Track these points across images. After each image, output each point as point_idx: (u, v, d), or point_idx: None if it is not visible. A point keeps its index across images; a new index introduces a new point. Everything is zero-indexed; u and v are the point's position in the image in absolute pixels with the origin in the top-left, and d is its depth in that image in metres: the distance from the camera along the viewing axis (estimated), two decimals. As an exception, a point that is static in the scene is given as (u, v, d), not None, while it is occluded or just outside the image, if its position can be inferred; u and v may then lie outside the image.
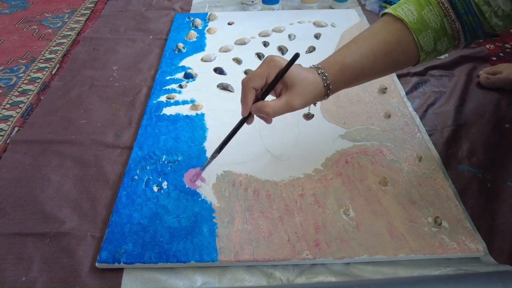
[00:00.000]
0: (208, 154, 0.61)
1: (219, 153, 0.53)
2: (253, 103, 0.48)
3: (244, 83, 0.47)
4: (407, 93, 0.74)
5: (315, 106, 0.53)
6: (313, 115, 0.64)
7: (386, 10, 0.52)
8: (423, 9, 0.50)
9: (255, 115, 0.50)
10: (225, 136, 0.52)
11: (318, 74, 0.49)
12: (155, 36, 0.95)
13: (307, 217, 0.51)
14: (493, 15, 0.49)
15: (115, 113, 0.72)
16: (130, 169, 0.59)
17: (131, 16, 1.05)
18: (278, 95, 0.49)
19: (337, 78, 0.50)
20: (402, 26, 0.50)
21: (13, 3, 1.19)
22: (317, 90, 0.48)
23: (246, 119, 0.50)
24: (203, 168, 0.56)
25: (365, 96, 0.72)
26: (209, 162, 0.55)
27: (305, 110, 0.61)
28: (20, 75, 0.85)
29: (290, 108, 0.47)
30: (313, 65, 0.51)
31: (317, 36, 0.91)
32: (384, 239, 0.48)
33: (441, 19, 0.50)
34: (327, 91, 0.49)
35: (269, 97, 0.49)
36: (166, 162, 0.60)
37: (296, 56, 0.46)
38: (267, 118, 0.49)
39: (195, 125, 0.67)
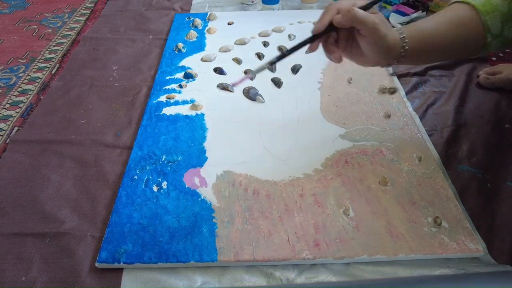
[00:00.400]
0: (208, 154, 0.61)
1: (272, 65, 0.51)
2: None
3: (331, 4, 0.47)
4: (407, 93, 0.74)
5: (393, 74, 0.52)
6: (395, 90, 0.64)
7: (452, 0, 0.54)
8: None
9: (319, 47, 0.50)
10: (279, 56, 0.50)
11: (401, 38, 0.49)
12: (155, 36, 0.95)
13: (307, 217, 0.51)
14: None
15: (115, 113, 0.72)
16: (130, 169, 0.59)
17: (131, 16, 1.05)
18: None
19: (415, 46, 0.50)
20: (470, 7, 0.51)
21: (13, 3, 1.19)
22: (397, 46, 0.48)
23: (318, 36, 0.49)
24: (253, 74, 0.52)
25: (365, 96, 0.72)
26: (259, 70, 0.51)
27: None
28: (20, 75, 0.85)
29: (374, 28, 0.46)
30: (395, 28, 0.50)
31: (317, 36, 0.91)
32: (384, 239, 0.48)
33: (509, 3, 0.50)
34: (400, 57, 0.49)
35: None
36: (166, 162, 0.60)
37: None
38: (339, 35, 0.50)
39: (195, 125, 0.67)
